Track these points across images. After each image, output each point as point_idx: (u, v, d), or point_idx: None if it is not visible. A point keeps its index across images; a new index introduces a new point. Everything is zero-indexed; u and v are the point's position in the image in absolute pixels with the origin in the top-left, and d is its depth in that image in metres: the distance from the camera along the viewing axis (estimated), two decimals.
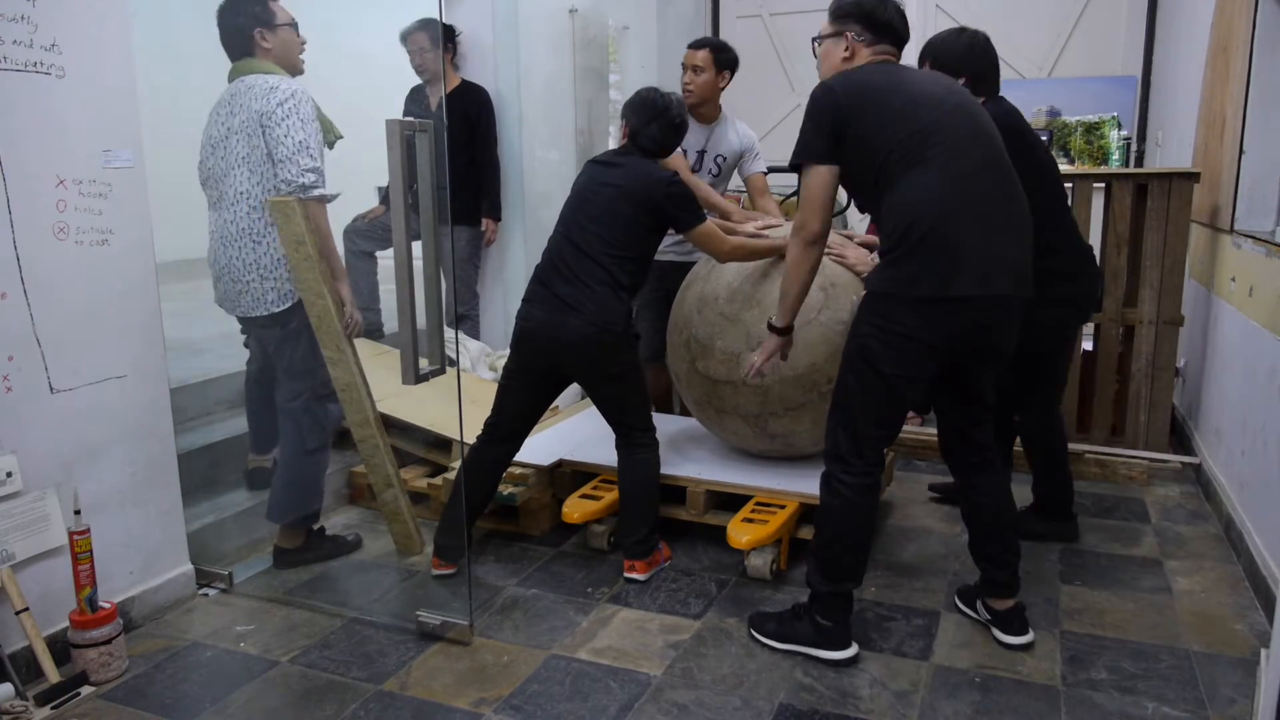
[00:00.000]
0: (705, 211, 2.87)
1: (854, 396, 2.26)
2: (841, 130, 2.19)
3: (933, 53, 2.84)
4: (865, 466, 2.28)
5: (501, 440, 2.83)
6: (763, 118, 5.43)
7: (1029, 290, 2.25)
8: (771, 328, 2.50)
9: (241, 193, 2.67)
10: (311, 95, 2.68)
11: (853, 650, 2.36)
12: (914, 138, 2.14)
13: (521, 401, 2.81)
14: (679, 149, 3.60)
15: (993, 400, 2.42)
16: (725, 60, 3.57)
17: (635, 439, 2.83)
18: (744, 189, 4.31)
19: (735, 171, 3.83)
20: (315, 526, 3.02)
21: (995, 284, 2.15)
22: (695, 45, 3.60)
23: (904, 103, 2.18)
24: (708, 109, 3.64)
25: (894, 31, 2.32)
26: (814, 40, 2.42)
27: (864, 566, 2.37)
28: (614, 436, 2.87)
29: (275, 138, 2.60)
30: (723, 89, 3.62)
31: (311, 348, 2.78)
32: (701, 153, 3.68)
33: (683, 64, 3.61)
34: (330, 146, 2.72)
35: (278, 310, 2.74)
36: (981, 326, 2.20)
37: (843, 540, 2.33)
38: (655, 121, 2.79)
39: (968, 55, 2.79)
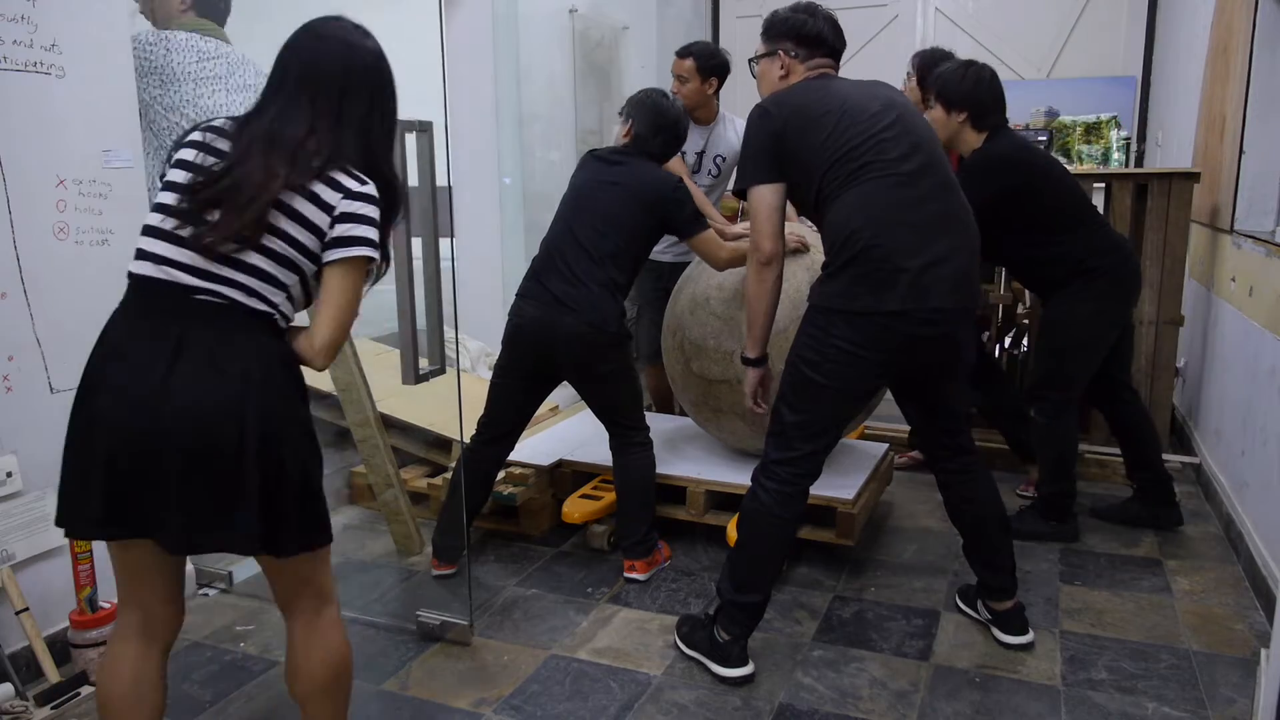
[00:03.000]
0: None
1: (788, 406, 2.23)
2: (780, 151, 2.20)
3: (938, 86, 2.88)
4: (790, 475, 2.22)
5: (495, 439, 2.82)
6: None
7: (971, 300, 2.22)
8: (746, 361, 2.41)
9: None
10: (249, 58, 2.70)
11: (745, 670, 2.28)
12: (849, 156, 2.14)
13: (513, 399, 2.80)
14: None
15: (964, 409, 2.38)
16: (710, 67, 3.56)
17: (629, 438, 2.83)
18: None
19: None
20: None
21: (931, 297, 2.12)
22: (681, 53, 3.58)
23: (838, 120, 2.16)
24: (702, 112, 3.65)
25: (826, 44, 2.32)
26: (750, 61, 2.45)
27: (771, 581, 2.29)
28: (609, 437, 2.87)
29: (211, 107, 2.62)
30: (712, 94, 3.62)
31: None
32: (700, 154, 3.68)
33: (670, 71, 3.61)
34: None
35: None
36: (920, 339, 2.15)
37: (754, 547, 2.27)
38: (662, 134, 2.80)
39: (972, 93, 2.84)
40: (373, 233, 1.60)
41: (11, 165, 2.20)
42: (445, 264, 2.40)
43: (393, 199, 1.67)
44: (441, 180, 2.30)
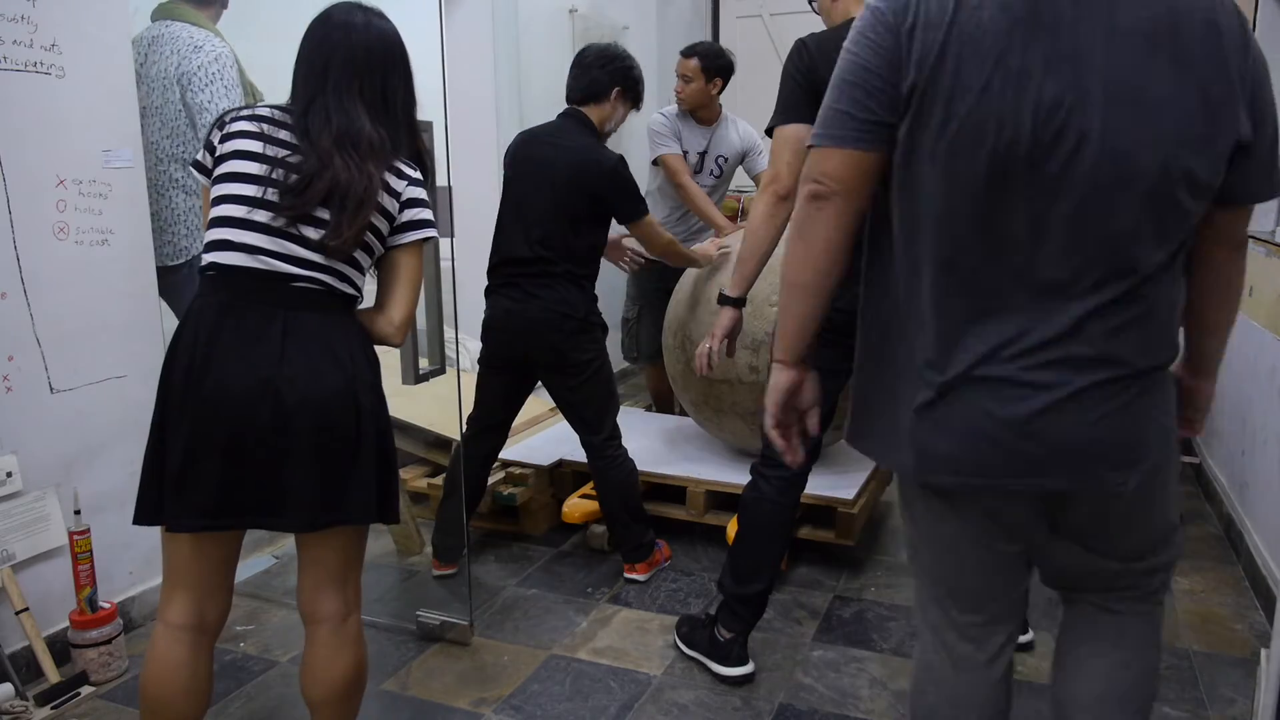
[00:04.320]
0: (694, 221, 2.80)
1: None
2: (811, 90, 2.02)
3: None
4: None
5: (486, 432, 2.82)
6: (763, 118, 5.42)
7: None
8: (723, 299, 2.23)
9: (151, 143, 2.64)
10: (235, 56, 2.66)
11: (745, 669, 2.29)
12: None
13: (497, 389, 2.79)
14: (680, 150, 3.61)
15: None
16: (715, 67, 3.57)
17: (603, 450, 2.78)
18: (748, 188, 4.32)
19: (742, 170, 3.84)
20: None
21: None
22: (686, 53, 3.58)
23: None
24: (705, 113, 3.65)
25: None
26: None
27: (773, 571, 2.27)
28: (584, 449, 2.84)
29: (200, 103, 2.59)
30: (715, 94, 3.62)
31: None
32: (703, 154, 3.68)
33: (675, 70, 3.61)
34: None
35: (170, 264, 2.72)
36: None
37: (754, 536, 2.27)
38: (572, 75, 2.76)
39: None
40: (431, 214, 1.73)
41: (11, 165, 2.20)
42: (445, 264, 2.40)
43: (425, 171, 1.78)
44: (441, 180, 2.30)
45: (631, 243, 2.97)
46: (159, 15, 2.68)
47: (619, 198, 2.67)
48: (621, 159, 2.69)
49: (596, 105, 2.74)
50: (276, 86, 2.79)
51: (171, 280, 2.75)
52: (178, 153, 2.66)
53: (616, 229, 2.82)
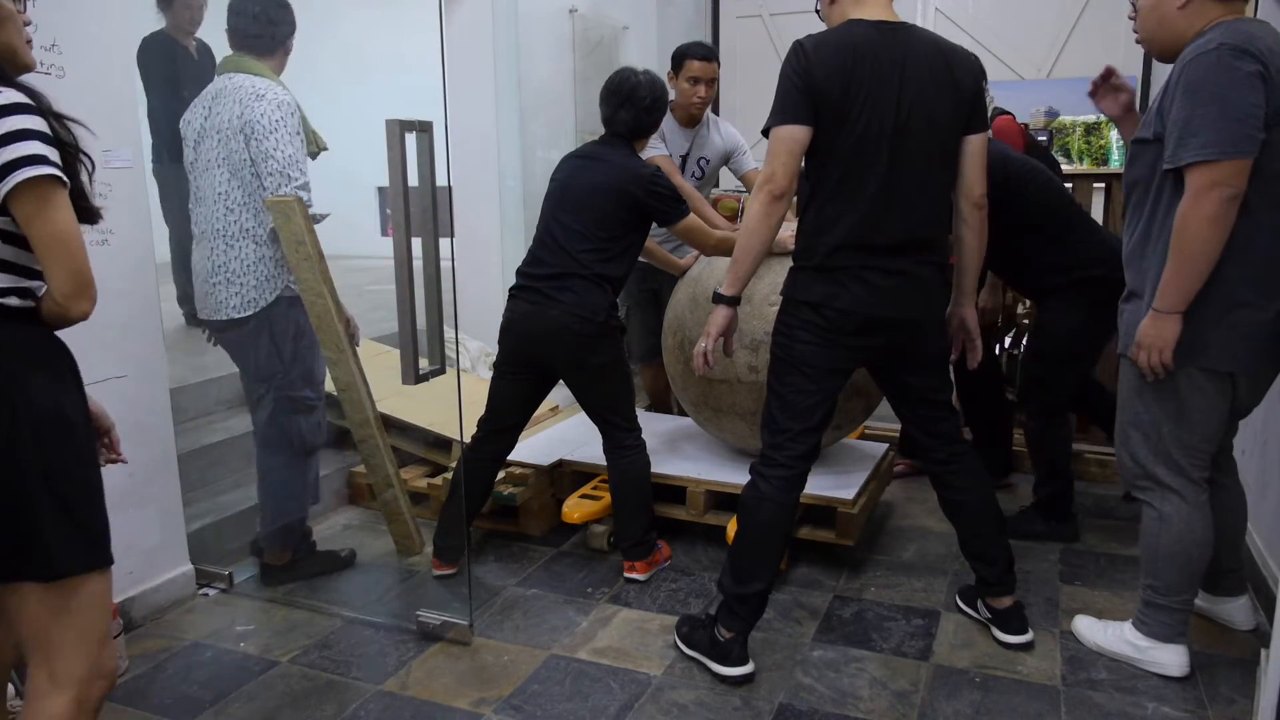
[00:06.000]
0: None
1: (772, 392, 2.28)
2: (809, 91, 2.08)
3: None
4: (787, 458, 2.25)
5: (496, 435, 2.83)
6: (761, 118, 5.42)
7: (923, 313, 2.24)
8: (718, 298, 2.25)
9: (220, 193, 2.61)
10: (298, 104, 2.63)
11: (745, 669, 2.29)
12: (855, 156, 2.10)
13: (512, 394, 2.81)
14: (667, 152, 3.58)
15: (946, 399, 2.38)
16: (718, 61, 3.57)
17: (621, 440, 2.82)
18: (741, 188, 4.32)
19: (729, 172, 3.83)
20: (307, 539, 2.94)
21: (882, 307, 2.17)
22: (705, 56, 3.49)
23: (865, 101, 2.07)
24: (691, 115, 3.62)
25: None
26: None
27: (772, 570, 2.27)
28: (601, 439, 2.87)
29: (264, 150, 2.53)
30: None
31: (273, 352, 2.69)
32: (684, 156, 3.65)
33: (693, 77, 3.48)
34: (313, 158, 2.68)
35: (237, 316, 2.64)
36: (876, 339, 2.22)
37: (753, 535, 2.28)
38: (624, 107, 2.76)
39: None
40: (37, 146, 1.35)
41: None
42: (445, 264, 2.40)
43: (20, 87, 1.41)
44: (441, 180, 2.30)
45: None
46: (224, 69, 2.66)
47: (657, 202, 2.71)
48: (657, 168, 2.76)
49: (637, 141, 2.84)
50: (336, 132, 2.79)
51: (237, 334, 2.68)
52: (249, 201, 2.60)
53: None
